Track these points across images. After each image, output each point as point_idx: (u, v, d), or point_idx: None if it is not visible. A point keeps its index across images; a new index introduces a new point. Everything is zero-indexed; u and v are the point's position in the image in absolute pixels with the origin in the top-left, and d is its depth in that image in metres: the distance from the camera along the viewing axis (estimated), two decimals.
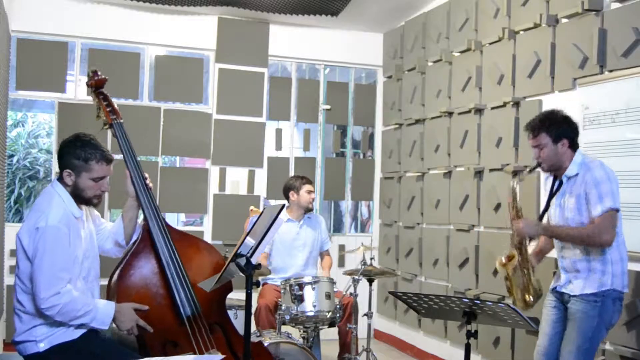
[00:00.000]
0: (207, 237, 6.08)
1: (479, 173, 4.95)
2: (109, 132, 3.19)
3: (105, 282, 3.13)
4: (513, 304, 3.27)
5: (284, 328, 4.07)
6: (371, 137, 7.03)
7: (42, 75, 5.71)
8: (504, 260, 3.37)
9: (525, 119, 4.46)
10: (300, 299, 4.12)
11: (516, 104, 4.58)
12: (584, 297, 3.19)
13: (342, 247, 6.50)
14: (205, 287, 3.00)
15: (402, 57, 6.31)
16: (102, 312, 2.90)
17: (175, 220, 8.06)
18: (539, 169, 3.42)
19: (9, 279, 4.97)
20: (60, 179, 2.98)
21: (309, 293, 4.14)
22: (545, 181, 3.52)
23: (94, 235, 3.13)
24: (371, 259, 4.52)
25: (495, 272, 4.65)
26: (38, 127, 8.68)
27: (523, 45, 4.54)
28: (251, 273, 2.83)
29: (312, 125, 6.80)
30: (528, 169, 3.42)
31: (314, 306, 4.11)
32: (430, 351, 5.57)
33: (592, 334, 3.15)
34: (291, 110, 6.59)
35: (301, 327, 4.20)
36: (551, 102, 4.29)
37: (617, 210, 3.14)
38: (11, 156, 7.98)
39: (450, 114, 5.39)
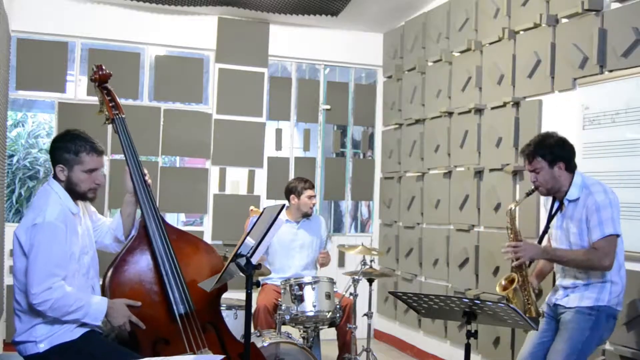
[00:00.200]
0: (207, 237, 6.08)
1: (479, 173, 4.95)
2: (110, 130, 3.20)
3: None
4: None
5: (284, 328, 4.06)
6: (371, 137, 7.03)
7: (42, 75, 5.71)
8: (503, 283, 3.38)
9: (525, 119, 4.49)
10: (300, 299, 4.12)
11: (516, 104, 4.58)
12: (578, 309, 3.19)
13: (342, 247, 6.48)
14: (205, 287, 3.00)
15: (402, 57, 6.31)
16: (95, 308, 2.89)
17: (175, 220, 8.05)
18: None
19: (9, 279, 4.97)
20: (55, 176, 2.98)
21: (309, 293, 4.14)
22: (545, 201, 3.51)
23: (91, 231, 3.13)
24: (371, 260, 4.52)
25: (496, 272, 4.66)
26: (38, 127, 8.68)
27: (523, 45, 4.54)
28: (251, 273, 2.83)
29: (312, 125, 6.80)
30: (525, 193, 3.41)
31: (314, 306, 4.11)
32: (430, 351, 5.58)
33: (582, 346, 3.14)
34: (291, 110, 6.59)
35: (301, 327, 4.20)
36: (551, 102, 4.30)
37: (618, 236, 3.15)
38: (11, 156, 7.98)
39: (450, 114, 5.39)
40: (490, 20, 4.92)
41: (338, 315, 4.23)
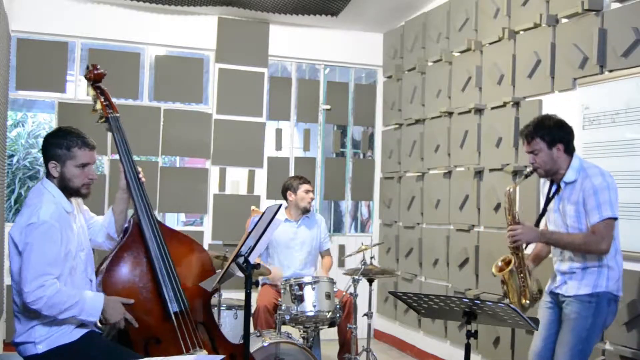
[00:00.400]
0: (207, 237, 6.09)
1: (479, 173, 4.95)
2: (108, 130, 3.19)
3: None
4: None
5: (283, 328, 4.07)
6: (371, 137, 7.03)
7: (42, 75, 5.71)
8: (500, 265, 3.37)
9: (525, 119, 4.47)
10: (300, 299, 4.12)
11: (516, 104, 4.58)
12: (578, 298, 3.18)
13: (342, 247, 6.50)
14: (206, 286, 3.00)
15: (402, 57, 6.31)
16: (90, 304, 2.87)
17: (175, 220, 8.07)
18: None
19: (8, 279, 4.96)
20: (48, 175, 2.96)
21: (309, 293, 4.14)
22: (543, 185, 3.50)
23: (85, 228, 3.13)
24: (371, 257, 4.51)
25: None
26: (38, 127, 8.69)
27: (523, 45, 4.54)
28: (250, 273, 2.83)
29: (312, 125, 6.80)
30: (524, 175, 3.40)
31: (314, 306, 4.11)
32: (430, 351, 5.58)
33: (587, 334, 3.14)
34: (291, 110, 6.59)
35: (301, 327, 4.20)
36: (551, 102, 4.29)
37: (616, 219, 3.13)
38: (11, 156, 7.99)
39: (450, 114, 5.39)
40: (490, 20, 4.92)
41: (338, 315, 4.23)
